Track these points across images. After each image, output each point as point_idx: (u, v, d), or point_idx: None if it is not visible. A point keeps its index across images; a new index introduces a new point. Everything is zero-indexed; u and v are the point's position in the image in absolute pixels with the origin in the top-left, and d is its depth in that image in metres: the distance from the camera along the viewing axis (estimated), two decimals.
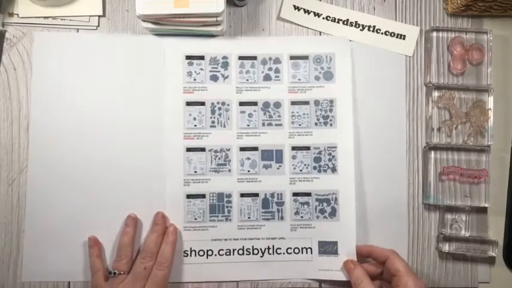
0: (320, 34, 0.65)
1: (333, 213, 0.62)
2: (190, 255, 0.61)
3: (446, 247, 0.63)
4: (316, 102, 0.63)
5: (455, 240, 0.64)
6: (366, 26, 0.66)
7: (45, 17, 0.63)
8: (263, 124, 0.63)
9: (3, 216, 0.62)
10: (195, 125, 0.62)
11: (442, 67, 0.66)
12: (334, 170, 0.63)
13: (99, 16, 0.64)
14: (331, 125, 0.63)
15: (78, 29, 0.64)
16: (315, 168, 0.63)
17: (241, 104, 0.63)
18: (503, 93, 0.66)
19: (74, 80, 0.63)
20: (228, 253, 0.62)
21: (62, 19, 0.63)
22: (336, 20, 0.66)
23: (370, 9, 0.66)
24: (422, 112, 0.65)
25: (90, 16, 0.64)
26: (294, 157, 0.63)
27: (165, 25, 0.60)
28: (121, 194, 0.62)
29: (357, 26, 0.66)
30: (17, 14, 0.63)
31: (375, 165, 0.64)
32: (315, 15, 0.65)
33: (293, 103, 0.63)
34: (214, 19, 0.58)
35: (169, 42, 0.63)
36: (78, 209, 0.61)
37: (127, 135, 0.63)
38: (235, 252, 0.62)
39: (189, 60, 0.63)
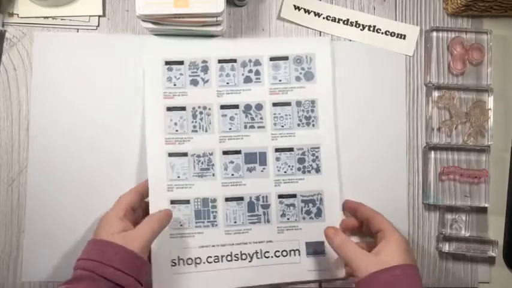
0: (320, 34, 0.65)
1: (319, 213, 0.62)
2: (178, 264, 0.60)
3: (446, 247, 0.63)
4: (298, 103, 0.63)
5: (455, 240, 0.64)
6: (366, 25, 0.66)
7: (45, 17, 0.63)
8: (245, 127, 0.62)
9: (3, 216, 0.62)
10: (177, 130, 0.61)
11: (442, 67, 0.66)
12: (318, 170, 0.62)
13: (99, 16, 0.64)
14: (313, 125, 0.63)
15: (78, 29, 0.64)
16: (299, 169, 0.62)
17: (223, 107, 0.62)
18: (503, 93, 0.66)
19: (74, 80, 0.63)
20: (216, 260, 0.60)
21: (62, 19, 0.63)
22: (336, 20, 0.66)
23: (370, 9, 0.66)
24: (422, 112, 0.65)
25: (90, 16, 0.64)
26: (277, 159, 0.62)
27: (165, 25, 0.60)
28: (120, 193, 0.62)
29: (357, 25, 0.66)
30: (17, 14, 0.63)
31: (374, 165, 0.64)
32: (315, 15, 0.65)
33: (275, 104, 0.63)
34: (214, 19, 0.58)
35: (147, 48, 0.62)
36: (78, 209, 0.61)
37: (128, 136, 0.63)
38: (224, 258, 0.60)
39: (169, 66, 0.62)
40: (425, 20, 0.67)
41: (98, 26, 0.64)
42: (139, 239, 0.52)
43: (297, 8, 0.65)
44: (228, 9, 0.65)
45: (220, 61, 0.63)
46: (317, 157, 0.62)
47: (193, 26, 0.60)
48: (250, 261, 0.61)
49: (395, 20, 0.66)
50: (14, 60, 0.63)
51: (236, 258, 0.61)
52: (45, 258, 0.61)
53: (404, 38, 0.66)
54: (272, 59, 0.63)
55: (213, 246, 0.61)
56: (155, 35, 0.63)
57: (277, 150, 0.62)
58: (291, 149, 0.62)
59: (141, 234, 0.53)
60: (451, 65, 0.66)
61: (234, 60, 0.63)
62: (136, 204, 0.57)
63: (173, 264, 0.60)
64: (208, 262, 0.60)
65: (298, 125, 0.63)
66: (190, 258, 0.60)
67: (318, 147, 0.63)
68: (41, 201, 0.61)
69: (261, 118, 0.62)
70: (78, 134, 0.62)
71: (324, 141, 0.63)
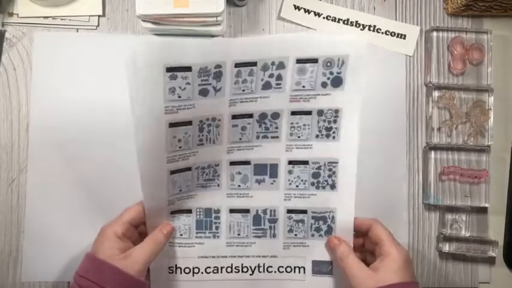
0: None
1: (329, 231, 0.58)
2: (176, 273, 0.58)
3: (446, 247, 0.63)
4: (320, 112, 0.57)
5: (455, 240, 0.64)
6: (366, 25, 0.66)
7: (45, 17, 0.63)
8: (257, 137, 0.57)
9: (3, 216, 0.62)
10: (180, 147, 0.54)
11: (442, 67, 0.66)
12: (333, 186, 0.58)
13: (99, 16, 0.64)
14: (333, 137, 0.57)
15: (78, 29, 0.64)
16: (312, 184, 0.58)
17: (234, 117, 0.56)
18: (503, 93, 0.66)
19: (74, 79, 0.62)
20: (215, 271, 0.58)
21: (61, 19, 0.63)
22: (337, 20, 0.66)
23: (370, 8, 0.66)
24: (423, 112, 0.65)
25: (89, 16, 0.63)
26: (290, 172, 0.58)
27: (165, 25, 0.60)
28: (120, 194, 0.62)
29: (357, 25, 0.65)
30: (17, 14, 0.63)
31: (374, 165, 0.64)
32: (315, 15, 0.65)
33: (293, 113, 0.56)
34: (214, 19, 0.58)
35: (143, 50, 0.50)
36: (78, 209, 0.61)
37: (128, 136, 0.62)
38: (223, 270, 0.58)
39: (172, 73, 0.51)
40: (425, 20, 0.66)
41: (98, 25, 0.64)
42: (138, 263, 0.51)
43: (297, 7, 0.65)
44: (228, 9, 0.65)
45: (237, 65, 0.54)
46: (334, 172, 0.57)
47: (193, 26, 0.60)
48: (251, 275, 0.58)
49: (396, 20, 0.66)
50: (13, 60, 0.63)
51: (237, 271, 0.58)
52: (45, 258, 0.61)
53: (404, 38, 0.66)
54: (299, 61, 0.55)
55: (213, 257, 0.58)
56: (155, 34, 0.63)
57: (290, 162, 0.57)
58: (305, 162, 0.57)
59: (140, 257, 0.52)
60: (451, 65, 0.65)
61: (254, 64, 0.54)
62: (138, 222, 0.55)
63: (170, 271, 0.58)
64: (207, 272, 0.58)
65: (317, 136, 0.57)
66: (188, 268, 0.58)
67: (336, 162, 0.57)
68: (41, 201, 0.61)
69: (276, 128, 0.57)
70: (78, 134, 0.62)
71: (344, 156, 0.57)
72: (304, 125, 0.57)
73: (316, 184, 0.58)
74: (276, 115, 0.56)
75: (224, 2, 0.57)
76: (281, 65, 0.55)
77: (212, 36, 0.63)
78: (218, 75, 0.53)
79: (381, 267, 0.51)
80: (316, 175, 0.58)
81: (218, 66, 0.53)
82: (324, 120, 0.57)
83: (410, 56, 0.66)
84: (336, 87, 0.56)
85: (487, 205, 0.64)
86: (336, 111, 0.57)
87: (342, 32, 0.60)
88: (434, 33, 0.66)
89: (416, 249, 0.64)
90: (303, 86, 0.56)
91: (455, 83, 0.66)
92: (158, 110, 0.52)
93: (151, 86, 0.51)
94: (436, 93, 0.65)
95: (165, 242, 0.55)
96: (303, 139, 0.57)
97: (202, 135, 0.55)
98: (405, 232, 0.64)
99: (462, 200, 0.65)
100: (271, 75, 0.55)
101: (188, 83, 0.52)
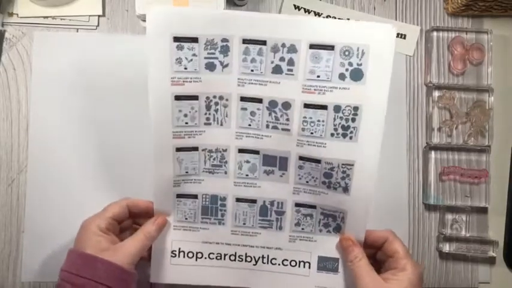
0: None
1: (338, 229, 0.56)
2: (178, 256, 0.57)
3: (446, 247, 0.63)
4: (337, 108, 0.51)
5: (455, 240, 0.64)
6: None
7: (44, 17, 0.63)
8: (267, 126, 0.53)
9: (3, 216, 0.62)
10: (186, 123, 0.52)
11: (442, 67, 0.66)
12: (346, 190, 0.53)
13: (99, 16, 0.64)
14: (351, 138, 0.51)
15: (77, 29, 0.64)
16: (323, 183, 0.54)
17: (243, 99, 0.52)
18: (503, 93, 0.66)
19: (74, 80, 0.62)
20: (218, 257, 0.57)
21: (61, 19, 0.63)
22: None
23: (370, 9, 0.66)
24: (423, 112, 0.65)
25: (89, 16, 0.63)
26: (300, 167, 0.54)
27: None
28: (120, 193, 0.62)
29: None
30: (17, 14, 0.63)
31: None
32: (315, 15, 0.65)
33: (306, 106, 0.51)
34: None
35: (151, 18, 0.49)
36: (78, 209, 0.61)
37: (128, 136, 0.62)
38: (227, 257, 0.57)
39: (178, 43, 0.50)
40: (425, 20, 0.66)
41: (98, 25, 0.64)
42: (129, 255, 0.51)
43: (297, 7, 0.65)
44: (228, 9, 0.65)
45: (245, 41, 0.50)
46: (348, 175, 0.52)
47: None
48: (254, 265, 0.57)
49: (396, 19, 0.66)
50: (13, 60, 0.63)
51: (240, 259, 0.57)
52: (45, 258, 0.61)
53: (404, 38, 0.66)
54: (313, 46, 0.50)
55: (217, 243, 0.57)
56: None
57: (301, 158, 0.53)
58: (317, 161, 0.53)
59: (130, 248, 0.51)
60: (451, 65, 0.65)
61: (264, 42, 0.50)
62: (121, 218, 0.55)
63: (173, 255, 0.57)
64: (210, 258, 0.57)
65: (332, 134, 0.52)
66: (192, 252, 0.57)
67: (352, 165, 0.52)
68: (41, 201, 0.61)
69: (287, 119, 0.52)
70: (78, 134, 0.62)
71: (361, 159, 0.52)
72: (319, 120, 0.52)
73: (327, 184, 0.54)
74: (287, 105, 0.52)
75: (224, 2, 0.57)
76: (293, 48, 0.50)
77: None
78: (225, 50, 0.51)
79: (393, 279, 0.50)
80: (328, 175, 0.53)
81: (225, 40, 0.50)
82: (341, 118, 0.51)
83: (410, 56, 0.66)
84: (355, 80, 0.50)
85: (487, 205, 0.64)
86: (355, 108, 0.51)
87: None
88: (435, 33, 0.66)
89: (416, 249, 0.64)
90: (318, 76, 0.51)
91: (455, 83, 0.66)
92: (165, 80, 0.51)
93: (158, 54, 0.50)
94: (436, 93, 0.65)
95: (157, 235, 0.55)
96: (316, 136, 0.52)
97: (209, 113, 0.53)
98: (405, 232, 0.64)
99: (462, 200, 0.65)
100: (282, 59, 0.51)
101: (194, 55, 0.50)
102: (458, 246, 0.63)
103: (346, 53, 0.50)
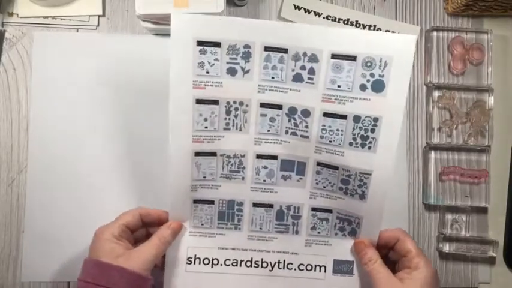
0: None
1: (353, 233, 0.56)
2: (194, 263, 0.56)
3: (446, 247, 0.63)
4: (356, 118, 0.51)
5: (455, 240, 0.64)
6: (366, 25, 0.65)
7: (44, 17, 0.63)
8: (286, 132, 0.53)
9: (3, 216, 0.62)
10: (206, 127, 0.53)
11: (442, 67, 0.66)
12: (362, 197, 0.54)
13: (99, 16, 0.64)
14: (369, 148, 0.52)
15: (77, 29, 0.64)
16: (340, 189, 0.55)
17: (263, 105, 0.53)
18: (503, 93, 0.66)
19: (74, 80, 0.62)
20: (234, 263, 0.57)
21: (61, 19, 0.63)
22: (337, 20, 0.66)
23: (370, 9, 0.66)
24: (423, 112, 0.65)
25: (89, 16, 0.63)
26: (318, 173, 0.55)
27: (165, 25, 0.60)
28: (121, 194, 0.62)
29: (358, 25, 0.65)
30: (17, 14, 0.63)
31: None
32: (315, 15, 0.65)
33: (326, 114, 0.52)
34: None
35: (176, 23, 0.50)
36: (78, 209, 0.61)
37: (128, 136, 0.62)
38: (243, 263, 0.57)
39: (202, 48, 0.50)
40: (425, 20, 0.66)
41: (98, 25, 0.64)
42: (143, 260, 0.51)
43: (297, 7, 0.65)
44: (228, 9, 0.65)
45: (267, 48, 0.51)
46: (365, 184, 0.53)
47: None
48: (271, 270, 0.57)
49: (396, 20, 0.66)
50: (13, 60, 0.63)
51: (256, 265, 0.57)
52: (45, 258, 0.61)
53: None
54: (334, 56, 0.50)
55: (233, 249, 0.57)
56: (155, 34, 0.63)
57: (319, 164, 0.54)
58: (335, 167, 0.54)
59: (145, 254, 0.52)
60: (451, 65, 0.65)
61: (285, 50, 0.51)
62: (134, 226, 0.55)
63: (189, 262, 0.56)
64: (226, 265, 0.57)
65: (350, 144, 0.52)
66: (207, 258, 0.57)
67: (369, 174, 0.53)
68: (41, 201, 0.61)
69: (306, 126, 0.53)
70: (78, 134, 0.62)
71: (379, 169, 0.52)
72: (338, 130, 0.52)
73: (344, 190, 0.55)
74: (306, 113, 0.53)
75: (224, 2, 0.57)
76: (314, 58, 0.51)
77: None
78: (247, 56, 0.51)
79: (408, 279, 0.51)
80: (345, 182, 0.54)
81: (247, 46, 0.51)
82: (361, 128, 0.52)
83: None
84: (377, 92, 0.51)
85: (487, 205, 0.64)
86: (375, 119, 0.51)
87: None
88: (435, 33, 0.66)
89: None
90: (339, 86, 0.51)
91: (455, 83, 0.66)
92: (186, 83, 0.51)
93: (181, 57, 0.51)
94: (436, 93, 0.65)
95: (172, 240, 0.55)
96: (334, 144, 0.53)
97: (229, 118, 0.53)
98: None
99: (462, 200, 0.65)
100: (302, 67, 0.51)
101: (217, 59, 0.51)
102: (458, 246, 0.63)
103: (368, 64, 0.50)
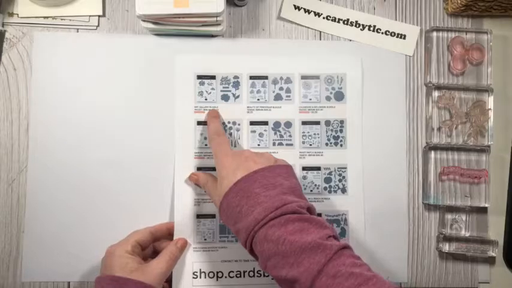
0: (320, 37, 0.65)
1: (343, 234, 0.62)
2: (200, 277, 0.60)
3: (446, 247, 0.63)
4: (327, 123, 0.63)
5: (455, 240, 0.64)
6: (366, 25, 0.66)
7: (45, 17, 0.63)
8: (274, 144, 0.63)
9: (3, 216, 0.62)
10: (206, 145, 0.62)
11: (442, 67, 0.66)
12: (344, 190, 0.63)
13: (99, 16, 0.64)
14: (341, 145, 0.63)
15: (78, 29, 0.64)
16: (325, 188, 0.63)
17: (252, 123, 0.63)
18: (503, 93, 0.66)
19: (74, 80, 0.62)
20: (238, 275, 0.60)
21: (61, 19, 0.63)
22: (336, 20, 0.66)
23: (370, 9, 0.66)
24: (423, 112, 0.65)
25: (90, 16, 0.63)
26: (304, 177, 0.63)
27: (165, 25, 0.60)
28: (121, 194, 0.62)
29: (357, 25, 0.66)
30: (17, 14, 0.63)
31: (374, 165, 0.64)
32: (315, 15, 0.65)
33: (304, 123, 0.63)
34: (214, 19, 0.58)
35: (180, 61, 0.63)
36: (78, 209, 0.61)
37: (128, 136, 0.62)
38: (246, 274, 0.60)
39: (200, 80, 0.63)
40: (425, 20, 0.66)
41: (98, 26, 0.64)
42: (156, 274, 0.53)
43: (297, 7, 0.65)
44: (228, 9, 0.65)
45: (251, 77, 0.64)
46: (344, 177, 0.63)
47: (193, 25, 0.60)
48: (273, 279, 0.58)
49: (396, 20, 0.66)
50: (13, 60, 0.63)
51: (259, 275, 0.60)
52: (45, 258, 0.61)
53: (404, 38, 0.66)
54: (303, 77, 0.64)
55: (236, 261, 0.60)
56: (155, 34, 0.63)
57: (304, 168, 0.63)
58: (318, 168, 0.63)
59: (158, 268, 0.54)
60: (451, 65, 0.65)
61: (266, 77, 0.64)
62: (145, 243, 0.57)
63: (194, 276, 0.60)
64: (230, 277, 0.60)
65: (327, 144, 0.63)
66: (212, 272, 0.60)
67: (345, 168, 0.63)
68: (41, 201, 0.61)
69: (290, 136, 0.63)
70: (78, 134, 0.62)
71: (351, 162, 0.63)
72: (315, 134, 0.63)
73: (328, 188, 0.63)
74: (288, 124, 0.63)
75: (224, 2, 0.57)
76: (288, 80, 0.64)
77: (212, 36, 0.63)
78: (236, 84, 0.63)
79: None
80: (328, 180, 0.63)
81: (236, 76, 0.64)
82: (332, 130, 0.64)
83: (410, 56, 0.66)
84: (338, 100, 0.64)
85: (487, 205, 0.64)
86: (341, 121, 0.64)
87: (340, 50, 0.66)
88: (434, 33, 0.66)
89: (416, 249, 0.64)
90: (310, 99, 0.64)
91: (455, 83, 0.66)
92: (189, 109, 0.63)
93: (185, 88, 0.63)
94: (436, 93, 0.65)
95: (179, 256, 0.58)
96: (314, 147, 0.63)
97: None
98: (405, 232, 0.64)
99: (462, 200, 0.65)
100: (281, 88, 0.64)
101: (213, 89, 0.63)
102: (458, 246, 0.63)
103: (329, 80, 0.64)
